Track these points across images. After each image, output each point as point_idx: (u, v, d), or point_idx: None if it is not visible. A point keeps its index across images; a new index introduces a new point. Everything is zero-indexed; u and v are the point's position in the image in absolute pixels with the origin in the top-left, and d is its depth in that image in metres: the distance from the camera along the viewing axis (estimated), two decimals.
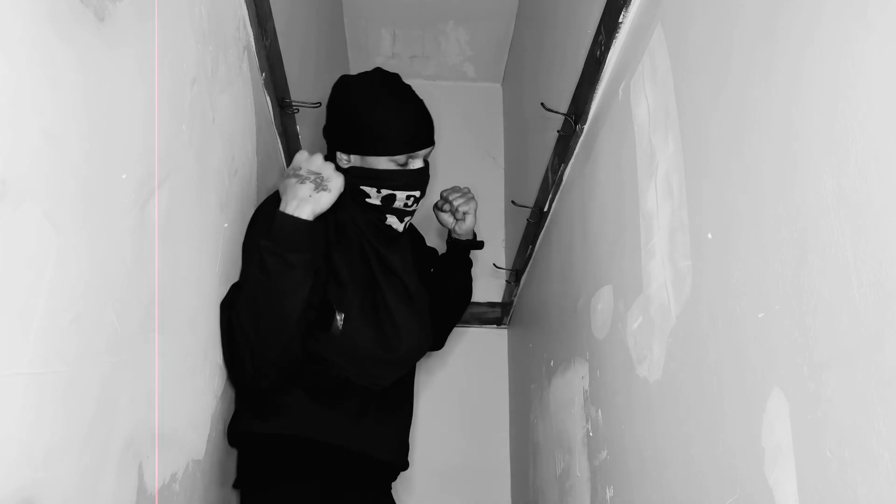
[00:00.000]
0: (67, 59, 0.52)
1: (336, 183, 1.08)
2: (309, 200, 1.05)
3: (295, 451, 1.10)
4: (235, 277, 1.03)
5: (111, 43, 0.59)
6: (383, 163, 1.22)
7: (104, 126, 0.58)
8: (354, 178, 1.22)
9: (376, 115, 1.21)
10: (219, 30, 0.89)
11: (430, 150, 1.27)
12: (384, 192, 1.23)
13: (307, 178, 1.06)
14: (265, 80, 1.14)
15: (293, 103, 1.27)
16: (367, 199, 1.24)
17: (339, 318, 1.15)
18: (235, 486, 1.10)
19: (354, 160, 1.23)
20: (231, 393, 1.02)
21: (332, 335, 1.14)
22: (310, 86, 1.55)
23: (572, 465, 1.16)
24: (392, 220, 1.27)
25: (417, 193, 1.25)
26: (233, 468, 1.07)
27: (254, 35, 1.06)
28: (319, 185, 1.06)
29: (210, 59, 0.86)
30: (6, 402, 0.47)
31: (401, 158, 1.22)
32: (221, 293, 0.96)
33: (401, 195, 1.24)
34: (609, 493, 0.96)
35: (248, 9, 1.03)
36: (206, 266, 0.89)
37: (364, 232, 1.25)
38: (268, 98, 1.18)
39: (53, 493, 0.52)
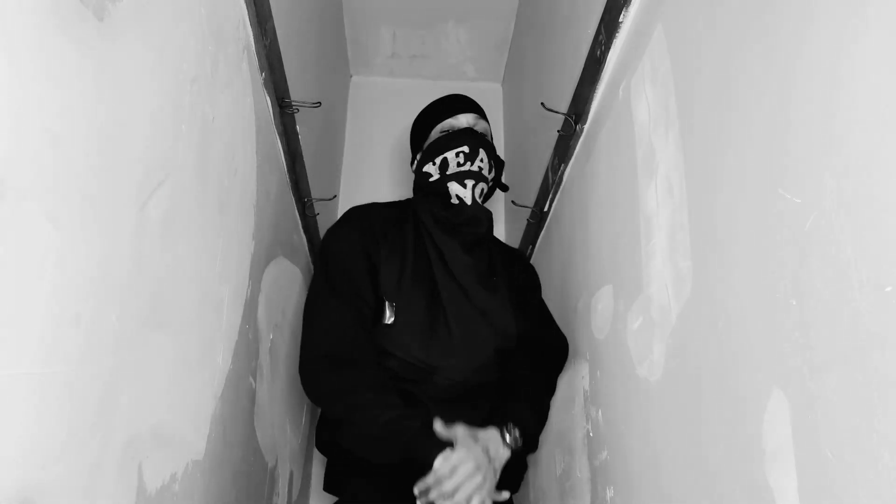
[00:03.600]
0: (67, 59, 0.52)
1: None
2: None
3: (356, 460, 1.13)
4: (236, 277, 1.03)
5: (111, 43, 0.59)
6: (434, 137, 1.32)
7: (104, 126, 0.58)
8: (419, 167, 1.31)
9: (426, 108, 1.39)
10: (218, 29, 0.89)
11: (477, 120, 1.33)
12: (437, 160, 1.28)
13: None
14: (265, 79, 1.14)
15: (293, 103, 1.27)
16: (430, 180, 1.29)
17: (390, 309, 1.18)
18: (325, 489, 1.21)
19: (419, 157, 1.34)
20: (231, 393, 1.02)
21: (384, 326, 1.17)
22: (310, 86, 1.55)
23: (573, 465, 1.16)
24: (455, 189, 1.25)
25: (466, 149, 1.26)
26: (234, 468, 1.07)
27: (253, 35, 1.06)
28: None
29: (210, 58, 0.86)
30: (7, 402, 0.47)
31: (445, 125, 1.32)
32: (221, 293, 0.96)
33: (450, 155, 1.26)
34: (609, 494, 0.96)
35: (247, 9, 1.03)
36: (206, 266, 0.89)
37: (424, 223, 1.28)
38: (267, 98, 1.18)
39: (54, 493, 0.52)
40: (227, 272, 0.99)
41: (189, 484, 0.83)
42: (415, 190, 1.36)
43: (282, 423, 1.37)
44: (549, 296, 1.41)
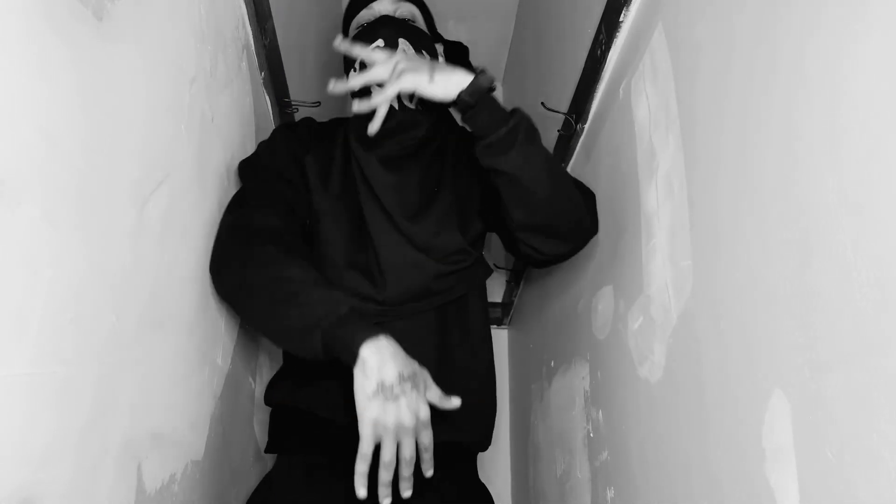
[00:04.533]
0: (66, 59, 0.52)
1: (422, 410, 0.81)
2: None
3: (289, 419, 1.01)
4: None
5: (110, 42, 0.59)
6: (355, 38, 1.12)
7: (102, 126, 0.58)
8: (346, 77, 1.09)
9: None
10: (218, 29, 0.89)
11: (397, 3, 1.13)
12: (356, 65, 1.08)
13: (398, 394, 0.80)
14: (264, 79, 1.14)
15: (292, 103, 1.27)
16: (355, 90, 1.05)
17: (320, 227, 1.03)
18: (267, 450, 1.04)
19: (343, 67, 1.17)
20: (230, 393, 1.02)
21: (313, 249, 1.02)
22: (309, 85, 1.55)
23: (573, 466, 1.16)
24: (375, 90, 1.01)
25: (381, 42, 1.05)
26: (234, 468, 1.07)
27: (253, 34, 1.06)
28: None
29: (209, 58, 0.86)
30: (4, 403, 0.47)
31: (360, 19, 1.14)
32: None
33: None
34: (610, 494, 0.96)
35: (247, 8, 1.03)
36: (205, 267, 0.89)
37: (349, 139, 1.08)
38: (267, 97, 1.18)
39: (52, 494, 0.52)
40: None
41: (188, 484, 0.83)
42: None
43: None
44: (550, 296, 1.41)
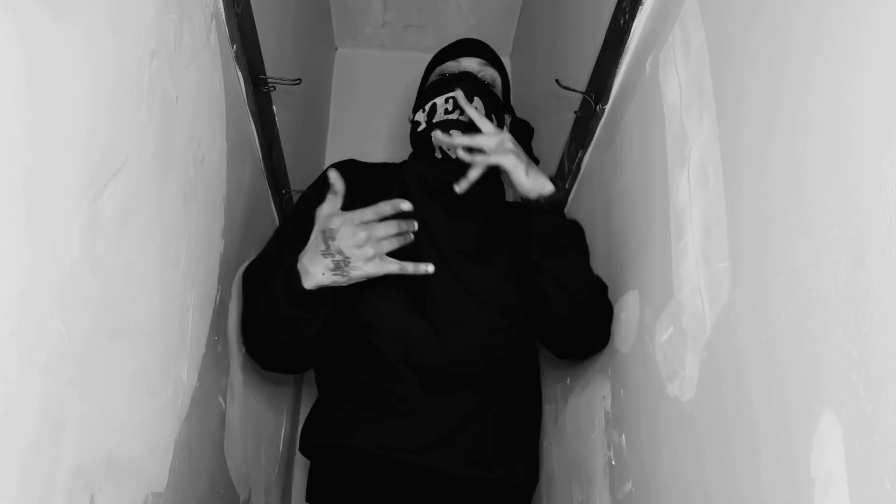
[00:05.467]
0: (8, 31, 0.52)
1: (359, 273, 1.05)
2: (319, 277, 1.06)
3: (346, 462, 1.17)
4: (203, 280, 1.03)
5: (59, 12, 0.59)
6: (430, 81, 1.37)
7: (50, 108, 0.58)
8: (413, 116, 1.33)
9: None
10: None
11: (483, 66, 1.36)
12: (427, 106, 1.29)
13: (331, 254, 1.04)
14: (236, 53, 1.14)
15: (269, 80, 1.27)
16: (418, 129, 1.30)
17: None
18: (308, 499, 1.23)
19: (414, 105, 1.37)
20: (197, 415, 1.02)
21: (363, 296, 1.18)
22: (288, 60, 1.55)
23: (592, 497, 1.16)
24: (438, 135, 1.23)
25: (457, 93, 1.23)
26: (201, 501, 1.07)
27: (223, 1, 1.06)
28: (340, 268, 1.05)
29: (172, 28, 0.86)
30: None
31: (444, 69, 1.37)
32: (186, 298, 0.96)
33: (439, 101, 1.27)
34: None
35: None
36: (169, 268, 0.89)
37: (409, 185, 1.29)
38: (239, 74, 1.18)
39: None
40: (193, 275, 0.99)
41: None
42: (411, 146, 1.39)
43: (256, 450, 1.37)
44: None
